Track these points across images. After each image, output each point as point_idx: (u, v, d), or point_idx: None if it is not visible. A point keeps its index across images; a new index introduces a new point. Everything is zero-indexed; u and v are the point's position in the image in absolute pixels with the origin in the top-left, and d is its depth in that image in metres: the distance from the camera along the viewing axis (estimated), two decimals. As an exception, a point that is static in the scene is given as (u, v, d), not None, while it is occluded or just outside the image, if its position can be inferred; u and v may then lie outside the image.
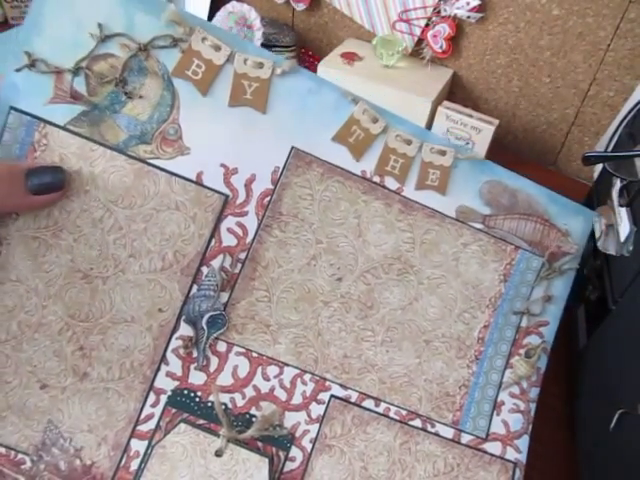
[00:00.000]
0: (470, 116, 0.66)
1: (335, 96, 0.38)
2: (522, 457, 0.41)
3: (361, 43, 0.81)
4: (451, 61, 0.77)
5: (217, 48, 0.35)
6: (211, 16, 0.80)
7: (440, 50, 0.74)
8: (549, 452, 0.46)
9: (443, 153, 0.40)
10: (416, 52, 0.76)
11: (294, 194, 0.38)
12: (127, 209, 0.36)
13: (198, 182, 0.36)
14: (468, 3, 0.69)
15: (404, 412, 0.40)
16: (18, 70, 0.33)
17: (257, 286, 0.39)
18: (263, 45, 0.76)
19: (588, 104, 0.71)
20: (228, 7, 0.76)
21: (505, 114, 0.77)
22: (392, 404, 0.40)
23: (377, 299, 0.40)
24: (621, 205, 0.48)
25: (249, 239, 0.38)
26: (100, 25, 0.33)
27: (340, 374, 0.40)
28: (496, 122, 0.67)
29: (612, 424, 0.38)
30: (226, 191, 0.37)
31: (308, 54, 0.86)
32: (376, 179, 0.39)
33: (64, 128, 0.34)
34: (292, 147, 0.37)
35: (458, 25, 0.72)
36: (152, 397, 0.38)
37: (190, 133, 0.36)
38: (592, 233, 0.55)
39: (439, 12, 0.72)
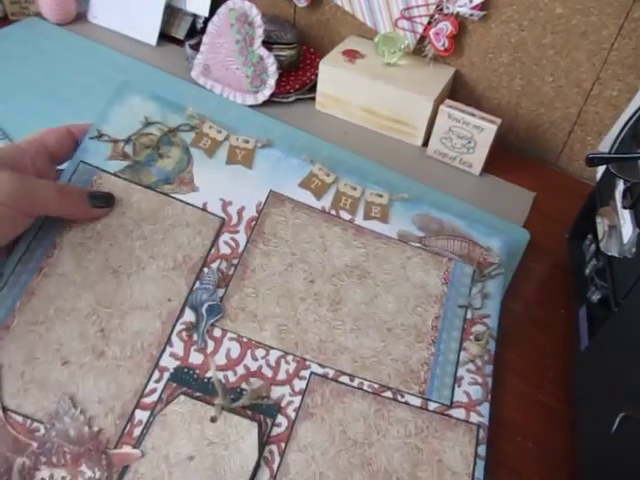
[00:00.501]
0: (472, 115, 0.63)
1: (298, 161, 0.53)
2: (485, 420, 0.43)
3: (363, 40, 0.76)
4: (453, 59, 0.73)
5: (219, 131, 0.53)
6: (212, 13, 0.75)
7: (442, 48, 0.70)
8: (548, 454, 0.43)
9: (380, 196, 0.53)
10: (418, 50, 0.72)
11: (273, 220, 0.49)
12: (151, 225, 0.46)
13: (204, 209, 0.48)
14: (471, 1, 0.66)
15: (376, 386, 0.43)
16: (91, 138, 0.49)
17: (246, 285, 0.46)
18: (264, 42, 0.69)
19: (591, 103, 0.67)
20: (229, 4, 0.69)
21: (507, 113, 0.73)
22: (365, 379, 0.43)
23: (343, 297, 0.47)
24: (624, 207, 0.45)
25: (240, 249, 0.47)
26: (146, 117, 0.51)
27: (318, 355, 0.44)
28: (498, 121, 0.63)
29: (614, 427, 0.36)
30: (223, 216, 0.48)
31: (309, 51, 0.80)
32: (333, 212, 0.51)
33: (114, 174, 0.48)
34: (270, 190, 0.50)
35: (461, 23, 0.69)
36: (156, 374, 0.41)
37: (199, 178, 0.50)
38: (595, 234, 0.55)
39: (441, 10, 0.68)
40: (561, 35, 0.65)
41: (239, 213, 0.49)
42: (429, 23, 0.70)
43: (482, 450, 0.42)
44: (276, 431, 0.40)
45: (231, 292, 0.46)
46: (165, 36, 0.85)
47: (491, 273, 0.51)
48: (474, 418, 0.43)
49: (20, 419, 0.39)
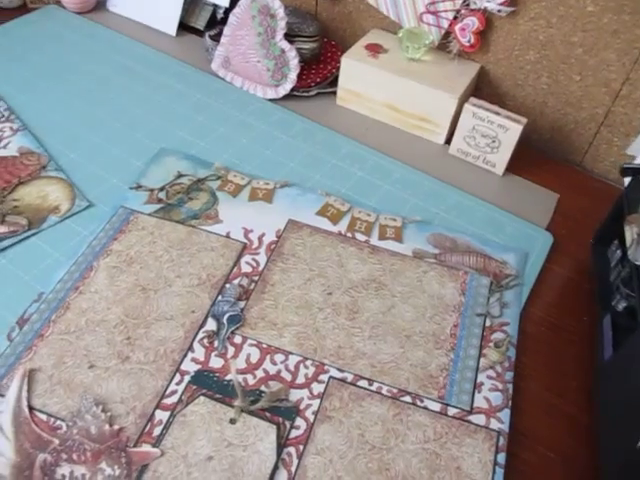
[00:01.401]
0: (497, 114, 0.62)
1: (315, 196, 0.59)
2: (505, 427, 0.43)
3: (386, 34, 0.74)
4: (478, 55, 0.71)
5: (242, 178, 0.60)
6: (232, 3, 0.74)
7: (468, 44, 0.68)
8: (569, 464, 0.42)
9: (394, 220, 0.57)
10: (442, 45, 0.70)
11: (291, 242, 0.54)
12: (179, 250, 0.53)
13: (227, 236, 0.54)
14: (499, -4, 0.64)
15: (395, 390, 0.44)
16: (131, 188, 0.58)
17: (266, 297, 0.49)
18: (286, 35, 0.68)
19: (619, 104, 0.65)
20: (251, -6, 0.75)
21: (532, 111, 0.71)
22: (383, 383, 0.44)
23: (361, 307, 0.49)
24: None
25: (260, 268, 0.51)
26: (179, 171, 0.60)
27: (336, 360, 0.45)
28: (524, 121, 0.61)
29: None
30: (245, 241, 0.54)
31: (331, 44, 0.79)
32: (349, 235, 0.55)
33: (148, 214, 0.56)
34: (289, 219, 0.56)
35: (487, 19, 0.66)
36: (177, 377, 0.43)
37: (223, 213, 0.56)
38: (621, 241, 0.54)
39: (468, 5, 0.66)
40: (591, 33, 0.63)
41: (259, 238, 0.55)
42: (455, 18, 0.69)
43: (501, 458, 0.42)
44: (294, 433, 0.41)
45: (251, 304, 0.49)
46: (185, 26, 0.84)
47: (509, 284, 0.52)
48: (494, 424, 0.43)
49: (44, 417, 0.41)
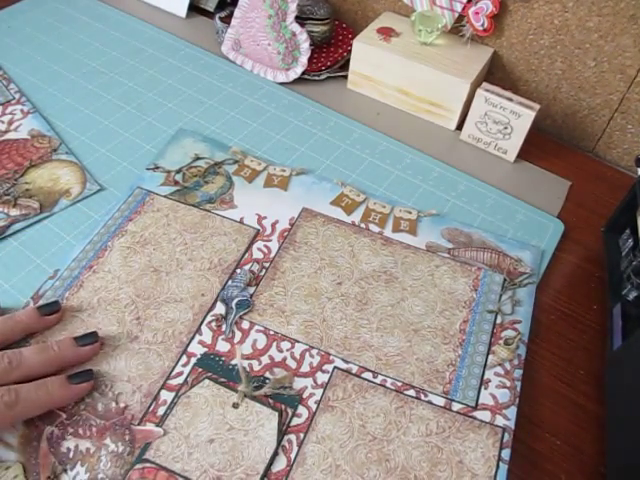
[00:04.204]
0: (510, 100, 0.60)
1: (330, 185, 0.57)
2: (511, 424, 0.41)
3: (398, 17, 0.73)
4: (492, 40, 0.70)
5: (259, 163, 0.59)
6: None
7: (481, 28, 0.67)
8: (577, 453, 0.42)
9: (409, 212, 0.55)
10: (455, 29, 0.69)
11: (304, 231, 0.53)
12: (192, 234, 0.52)
13: (241, 222, 0.53)
14: (514, -21, 0.59)
15: (399, 383, 0.43)
16: (148, 169, 0.58)
17: (276, 284, 0.49)
18: (297, 18, 0.67)
19: (634, 90, 0.64)
20: (261, -24, 0.74)
21: (545, 97, 0.70)
22: (388, 376, 0.43)
23: (370, 298, 0.48)
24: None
25: (272, 255, 0.51)
26: (196, 154, 0.59)
27: (342, 350, 0.45)
28: (537, 107, 0.60)
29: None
30: (258, 227, 0.53)
31: (342, 27, 0.77)
32: (362, 226, 0.54)
33: (164, 196, 0.55)
34: (303, 207, 0.55)
35: (502, 2, 0.66)
36: (184, 359, 0.43)
37: (238, 198, 0.56)
38: (633, 229, 0.54)
39: None
40: (607, 18, 0.62)
41: (273, 225, 0.54)
42: (469, 1, 0.68)
43: (506, 454, 0.41)
44: (296, 421, 0.41)
45: (261, 290, 0.49)
46: (195, 7, 0.83)
47: (522, 282, 0.51)
48: (499, 421, 0.42)
49: None
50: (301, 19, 0.70)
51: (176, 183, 0.57)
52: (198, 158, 0.59)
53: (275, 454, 0.39)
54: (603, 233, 0.56)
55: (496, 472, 0.39)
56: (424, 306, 0.48)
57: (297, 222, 0.54)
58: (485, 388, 0.44)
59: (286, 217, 0.54)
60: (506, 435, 0.41)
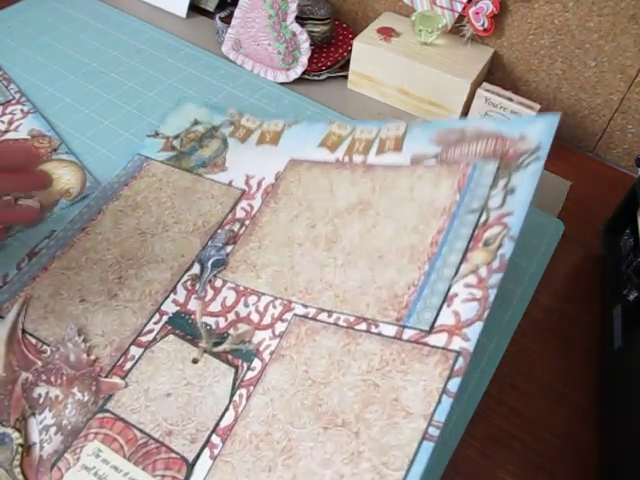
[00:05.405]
0: (510, 99, 0.60)
1: (320, 125, 0.54)
2: (469, 346, 0.34)
3: (399, 17, 0.73)
4: (492, 40, 0.69)
5: (253, 122, 0.58)
6: None
7: (482, 28, 0.67)
8: (575, 452, 0.42)
9: (397, 128, 0.49)
10: (455, 29, 0.69)
11: (287, 181, 0.51)
12: (181, 198, 0.52)
13: (229, 184, 0.53)
14: (514, -22, 0.57)
15: (352, 319, 0.39)
16: (148, 136, 0.59)
17: (252, 240, 0.48)
18: (297, 18, 0.68)
19: (635, 91, 0.64)
20: (261, -24, 0.75)
21: (545, 97, 0.70)
22: (342, 313, 0.40)
23: (341, 234, 0.44)
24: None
25: (254, 212, 0.50)
26: (195, 119, 0.60)
27: (304, 296, 0.42)
28: (537, 107, 0.60)
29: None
30: (245, 188, 0.52)
31: (342, 27, 0.77)
32: (346, 159, 0.50)
33: (160, 162, 0.56)
34: (290, 159, 0.53)
35: (502, 2, 0.65)
36: (157, 316, 0.44)
37: (230, 160, 0.55)
38: (633, 229, 0.54)
39: None
40: (608, 18, 0.62)
41: (259, 183, 0.53)
42: (469, 1, 0.68)
43: (453, 385, 0.33)
44: (249, 375, 0.40)
45: (238, 247, 0.48)
46: (195, 7, 0.84)
47: (523, 163, 0.41)
48: (455, 344, 0.35)
49: (33, 340, 0.43)
50: (301, 19, 0.70)
51: (173, 148, 0.57)
52: (197, 122, 0.59)
53: (226, 410, 0.39)
54: (603, 233, 0.56)
55: (435, 408, 0.33)
56: (395, 226, 0.42)
57: (282, 175, 0.52)
58: (448, 306, 0.37)
59: (273, 172, 0.52)
60: (460, 361, 0.34)
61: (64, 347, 0.43)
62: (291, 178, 0.51)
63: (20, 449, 0.38)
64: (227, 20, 0.76)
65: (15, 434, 0.38)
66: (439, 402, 0.33)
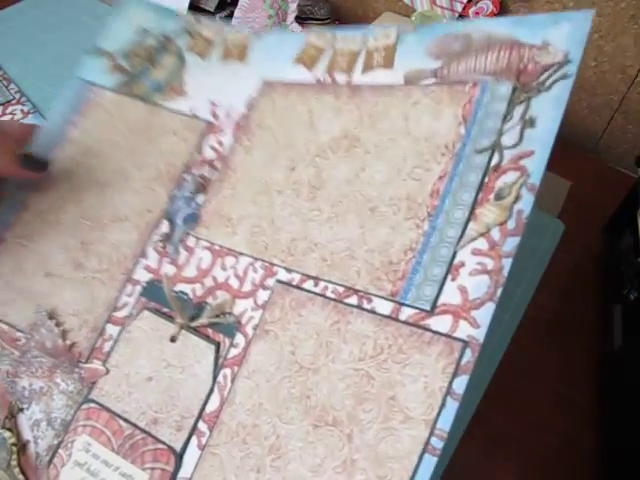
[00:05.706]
0: None
1: (295, 35, 0.47)
2: (479, 334, 0.28)
3: (399, 18, 0.73)
4: None
5: (215, 31, 0.46)
6: None
7: None
8: (575, 453, 0.42)
9: (387, 36, 0.38)
10: None
11: (261, 110, 0.41)
12: (138, 135, 0.44)
13: (192, 115, 0.43)
14: (514, -22, 0.60)
15: (341, 289, 0.33)
16: (88, 54, 0.48)
17: (225, 186, 0.40)
18: (297, 18, 0.68)
19: (635, 90, 0.64)
20: (261, -25, 0.76)
21: None
22: (330, 281, 0.34)
23: (325, 179, 0.37)
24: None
25: (225, 152, 0.41)
26: (142, 27, 0.47)
27: (286, 257, 0.36)
28: None
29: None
30: (211, 119, 0.42)
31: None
32: (327, 79, 0.40)
33: (108, 88, 0.46)
34: (263, 80, 0.42)
35: (502, 2, 0.66)
36: (129, 287, 0.38)
37: (190, 82, 0.45)
38: (633, 230, 0.54)
39: None
40: (608, 18, 0.63)
41: (228, 113, 0.43)
42: (469, 1, 0.68)
43: (459, 384, 0.27)
44: (232, 353, 0.35)
45: (210, 197, 0.40)
46: (195, 8, 0.83)
47: (546, 82, 0.31)
48: (462, 330, 0.28)
49: (6, 328, 0.40)
50: (301, 19, 0.70)
51: (122, 70, 0.47)
52: (145, 32, 0.47)
53: (210, 392, 0.34)
54: (603, 233, 0.56)
55: (439, 413, 0.27)
56: (388, 170, 0.35)
57: (254, 102, 0.42)
58: (453, 279, 0.29)
59: (243, 98, 0.42)
60: (467, 353, 0.28)
61: (38, 334, 0.39)
62: (265, 107, 0.41)
63: (14, 448, 0.36)
64: (227, 21, 0.76)
65: (7, 433, 0.37)
66: (443, 405, 0.27)
